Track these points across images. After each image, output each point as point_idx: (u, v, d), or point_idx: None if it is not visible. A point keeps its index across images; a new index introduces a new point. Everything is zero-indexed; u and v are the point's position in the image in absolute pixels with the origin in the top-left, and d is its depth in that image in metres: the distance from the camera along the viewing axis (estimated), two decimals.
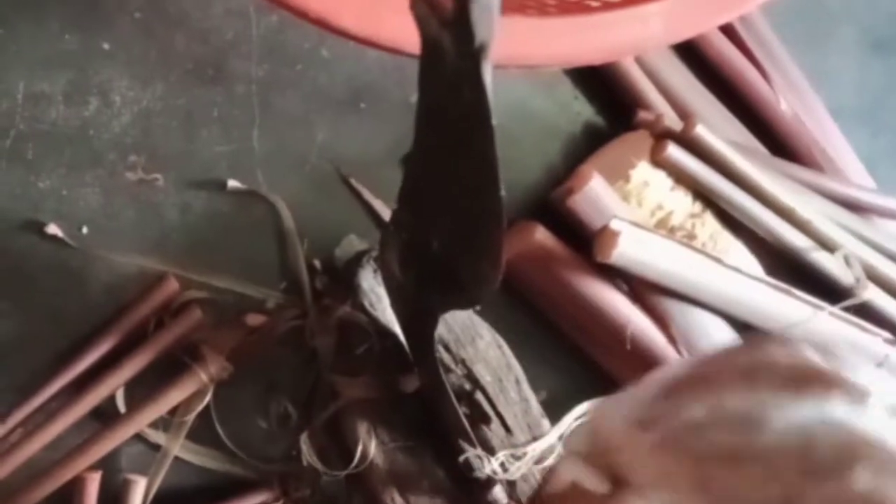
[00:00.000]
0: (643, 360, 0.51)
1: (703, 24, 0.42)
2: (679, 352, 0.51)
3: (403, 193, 0.36)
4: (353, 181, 0.52)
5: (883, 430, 0.29)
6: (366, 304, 0.50)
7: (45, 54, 0.49)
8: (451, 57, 0.26)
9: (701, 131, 0.51)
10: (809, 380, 0.30)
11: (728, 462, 0.29)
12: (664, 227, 0.52)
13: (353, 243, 0.52)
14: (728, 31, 0.56)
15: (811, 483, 0.28)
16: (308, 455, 0.49)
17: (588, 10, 0.42)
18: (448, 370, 0.49)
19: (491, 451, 0.49)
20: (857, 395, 0.30)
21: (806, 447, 0.29)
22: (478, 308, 0.51)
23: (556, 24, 0.40)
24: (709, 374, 0.32)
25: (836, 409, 0.29)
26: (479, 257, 0.32)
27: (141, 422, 0.48)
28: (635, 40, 0.41)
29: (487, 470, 0.48)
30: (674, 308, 0.51)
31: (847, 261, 0.52)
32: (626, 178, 0.52)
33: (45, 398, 0.48)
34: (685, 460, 0.30)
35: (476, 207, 0.30)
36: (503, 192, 0.28)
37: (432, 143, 0.31)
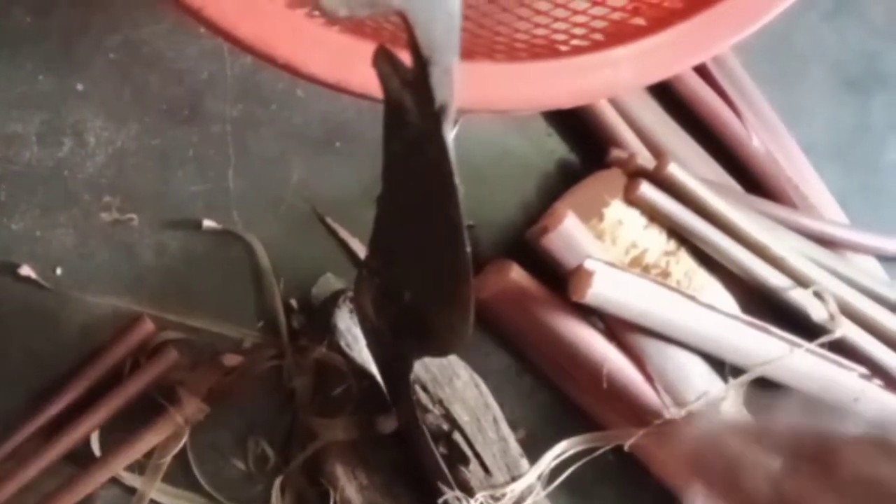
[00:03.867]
0: (620, 398, 0.51)
1: (673, 68, 0.43)
2: (656, 390, 0.51)
3: (374, 241, 0.36)
4: (328, 220, 0.52)
5: None
6: (342, 344, 0.50)
7: (18, 95, 0.49)
8: (413, 116, 0.26)
9: (674, 169, 0.52)
10: None
11: None
12: (639, 265, 0.52)
13: (329, 282, 0.52)
14: (700, 69, 0.56)
15: None
16: (277, 503, 0.49)
17: (558, 54, 0.42)
18: (425, 410, 0.49)
19: (470, 492, 0.49)
20: None
21: None
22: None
23: (526, 69, 0.40)
24: None
25: None
26: (449, 310, 0.32)
27: (116, 465, 0.48)
28: (606, 84, 0.41)
29: None
30: (650, 346, 0.51)
31: (821, 297, 0.52)
32: (600, 217, 0.52)
33: (18, 442, 0.47)
34: None
35: (443, 262, 0.30)
36: (469, 249, 0.29)
37: (399, 196, 0.31)
